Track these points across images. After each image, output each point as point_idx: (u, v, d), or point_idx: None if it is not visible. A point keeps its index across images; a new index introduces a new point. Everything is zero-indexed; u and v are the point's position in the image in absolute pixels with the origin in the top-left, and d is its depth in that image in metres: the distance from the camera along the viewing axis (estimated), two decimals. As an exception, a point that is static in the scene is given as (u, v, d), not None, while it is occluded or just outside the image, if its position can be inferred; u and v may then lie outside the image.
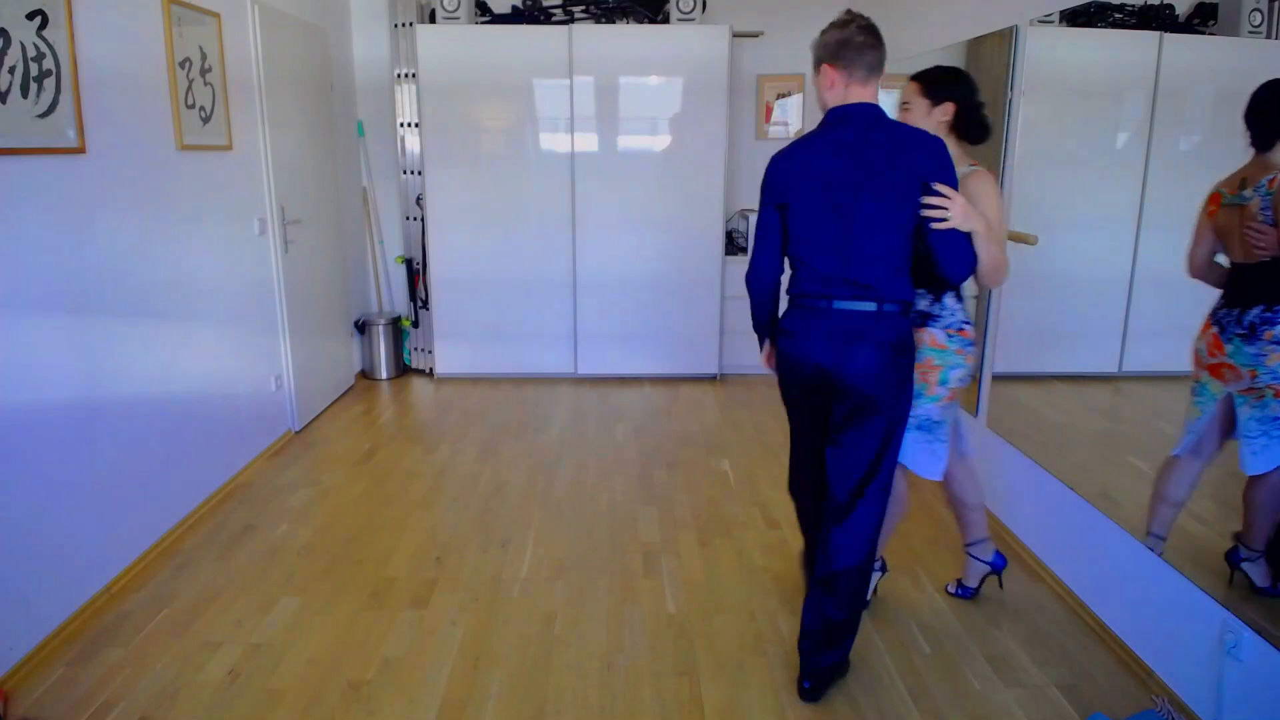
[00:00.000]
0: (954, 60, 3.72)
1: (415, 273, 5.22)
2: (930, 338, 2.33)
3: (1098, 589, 2.54)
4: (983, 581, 2.68)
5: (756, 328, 2.35)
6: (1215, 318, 2.09)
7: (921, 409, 2.33)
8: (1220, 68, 2.41)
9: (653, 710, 2.16)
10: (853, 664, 2.34)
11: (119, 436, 2.76)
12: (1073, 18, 2.75)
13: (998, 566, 2.64)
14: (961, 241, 2.03)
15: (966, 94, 2.37)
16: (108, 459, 2.70)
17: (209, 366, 3.35)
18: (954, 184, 2.03)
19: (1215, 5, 2.37)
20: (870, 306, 2.06)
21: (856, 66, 2.04)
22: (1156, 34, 2.61)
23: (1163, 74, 2.58)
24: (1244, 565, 2.06)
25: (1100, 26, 2.70)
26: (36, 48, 2.34)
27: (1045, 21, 2.85)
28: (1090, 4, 2.66)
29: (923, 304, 2.34)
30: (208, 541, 3.05)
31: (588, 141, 4.83)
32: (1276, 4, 2.17)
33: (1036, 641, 2.45)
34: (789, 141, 2.40)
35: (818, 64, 2.11)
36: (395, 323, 5.19)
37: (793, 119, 5.27)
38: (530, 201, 4.89)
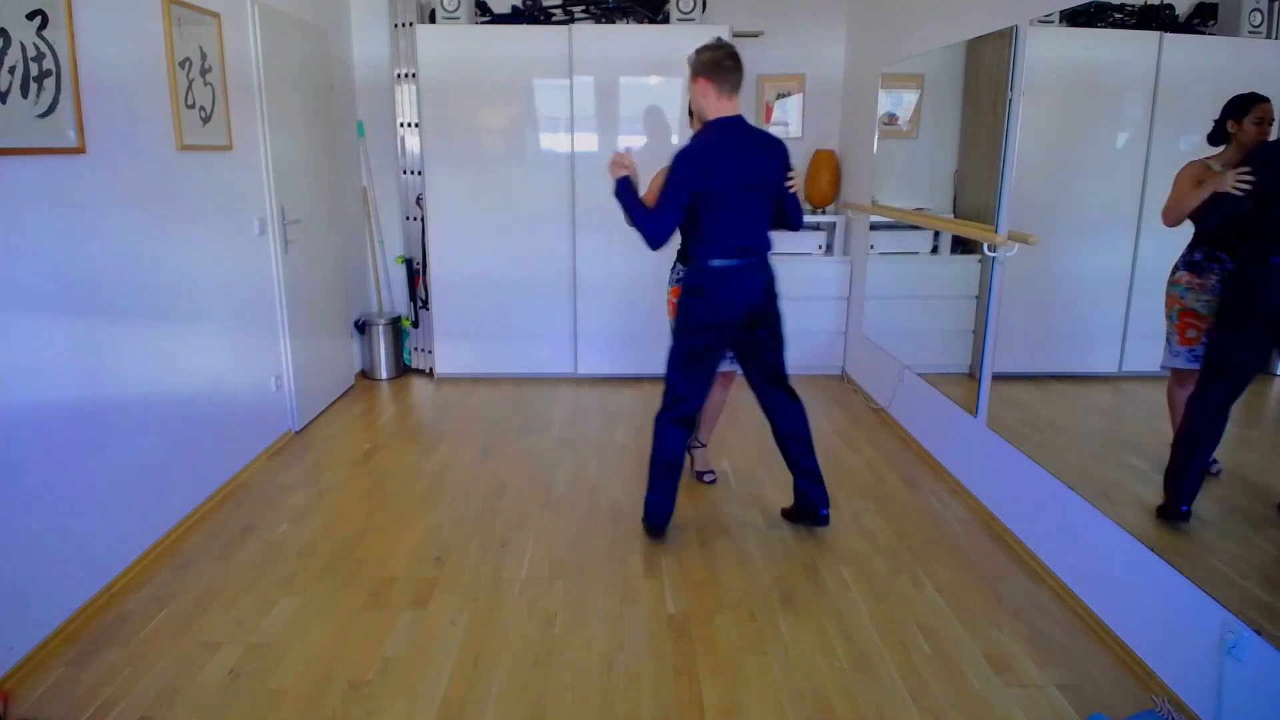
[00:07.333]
0: (954, 60, 3.72)
1: (415, 273, 5.22)
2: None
3: (1098, 589, 2.54)
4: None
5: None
6: None
7: None
8: (1220, 68, 2.42)
9: (653, 710, 2.16)
10: (853, 664, 2.35)
11: (119, 436, 2.76)
12: (1073, 18, 2.75)
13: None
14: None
15: None
16: (108, 459, 2.70)
17: (209, 366, 3.35)
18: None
19: (1215, 5, 2.38)
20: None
21: (725, 84, 2.75)
22: (1156, 34, 2.61)
23: (1163, 74, 2.59)
24: None
25: (1100, 26, 2.70)
26: (36, 48, 2.34)
27: (1045, 21, 2.85)
28: (1090, 4, 2.66)
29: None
30: (208, 541, 3.05)
31: (588, 141, 4.83)
32: (1276, 4, 2.17)
33: (1036, 641, 2.45)
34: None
35: (695, 77, 2.78)
36: (395, 323, 5.19)
37: (792, 119, 5.26)
38: (530, 201, 4.89)
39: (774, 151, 2.83)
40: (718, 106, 2.77)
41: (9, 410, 2.27)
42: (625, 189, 2.87)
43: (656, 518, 3.05)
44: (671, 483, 3.03)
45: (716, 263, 2.80)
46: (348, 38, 5.04)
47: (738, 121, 2.78)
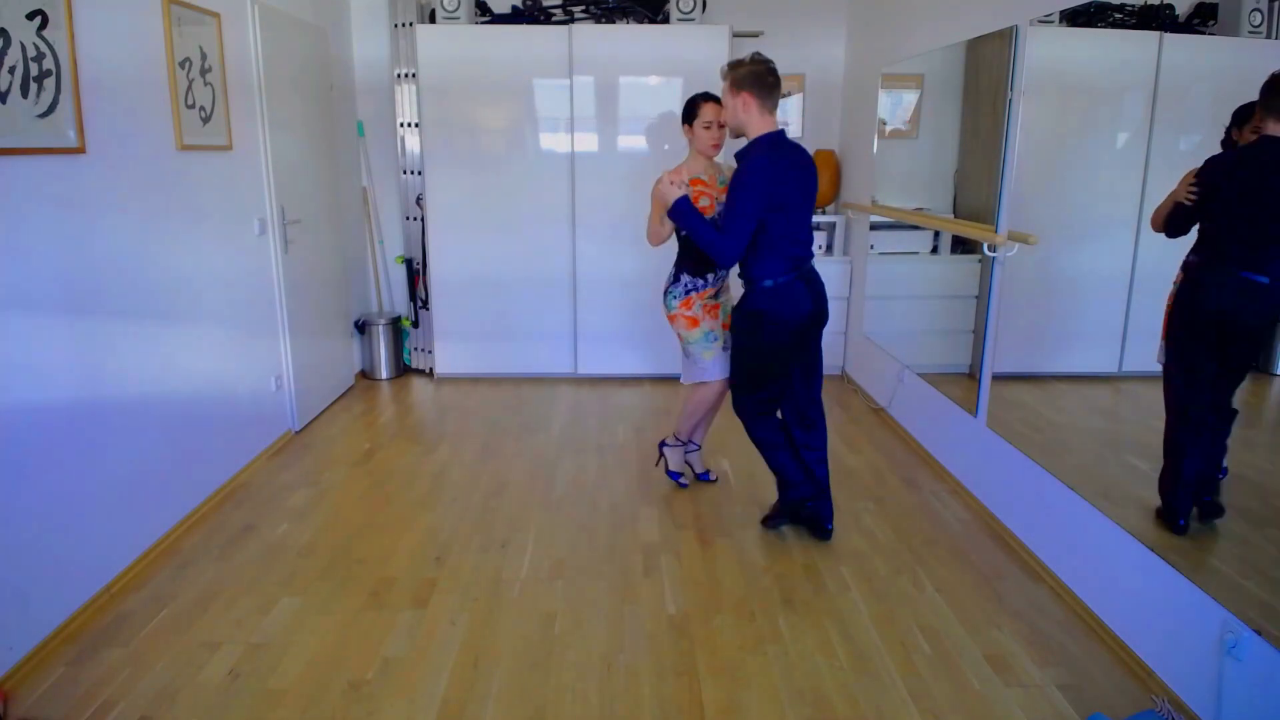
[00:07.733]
0: (954, 60, 3.72)
1: (415, 273, 5.22)
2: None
3: (1098, 589, 2.54)
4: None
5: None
6: None
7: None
8: (1220, 68, 2.42)
9: (653, 710, 2.16)
10: (853, 664, 2.35)
11: (119, 436, 2.76)
12: (1073, 18, 2.75)
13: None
14: None
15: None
16: (108, 459, 2.70)
17: (209, 366, 3.35)
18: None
19: (1215, 5, 2.38)
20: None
21: (769, 99, 2.75)
22: (1156, 34, 2.61)
23: (1163, 74, 2.59)
24: None
25: (1100, 26, 2.70)
26: (36, 48, 2.34)
27: (1045, 21, 2.85)
28: (1090, 4, 2.66)
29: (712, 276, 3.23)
30: (208, 541, 3.05)
31: (588, 141, 4.83)
32: (1276, 4, 2.17)
33: (1036, 641, 2.45)
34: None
35: (737, 91, 2.74)
36: (395, 323, 5.19)
37: (793, 119, 5.26)
38: (530, 201, 4.89)
39: (811, 161, 2.87)
40: (761, 122, 2.76)
41: (9, 410, 2.27)
42: (688, 209, 2.86)
43: (804, 508, 3.10)
44: (795, 469, 3.07)
45: (781, 279, 2.81)
46: (348, 38, 5.04)
47: (782, 136, 2.79)
